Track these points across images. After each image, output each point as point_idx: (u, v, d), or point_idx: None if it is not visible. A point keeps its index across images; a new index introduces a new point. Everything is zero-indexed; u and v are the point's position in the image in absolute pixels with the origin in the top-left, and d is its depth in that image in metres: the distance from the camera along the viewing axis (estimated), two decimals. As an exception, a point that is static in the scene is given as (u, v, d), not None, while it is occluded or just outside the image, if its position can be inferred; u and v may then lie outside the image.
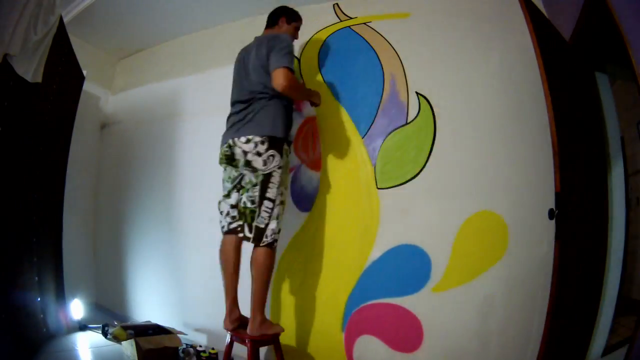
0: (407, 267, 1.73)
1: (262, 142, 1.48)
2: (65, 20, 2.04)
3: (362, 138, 1.89)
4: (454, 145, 1.73)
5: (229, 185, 1.59)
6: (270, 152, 1.49)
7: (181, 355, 1.89)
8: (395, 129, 1.83)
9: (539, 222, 1.52)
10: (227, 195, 1.58)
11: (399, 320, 1.71)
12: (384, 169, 1.83)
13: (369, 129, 1.88)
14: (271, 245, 1.50)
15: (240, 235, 1.50)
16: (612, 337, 1.56)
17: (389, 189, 1.81)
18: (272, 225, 1.48)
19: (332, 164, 1.94)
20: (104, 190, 2.82)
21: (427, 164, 1.75)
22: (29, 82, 1.70)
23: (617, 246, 1.54)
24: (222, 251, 1.58)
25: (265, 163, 1.48)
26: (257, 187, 1.48)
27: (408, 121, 1.82)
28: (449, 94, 1.77)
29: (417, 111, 1.81)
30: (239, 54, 1.75)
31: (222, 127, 2.38)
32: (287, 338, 1.91)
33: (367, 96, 1.91)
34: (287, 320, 1.92)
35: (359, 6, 2.03)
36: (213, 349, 1.92)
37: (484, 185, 1.66)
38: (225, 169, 1.62)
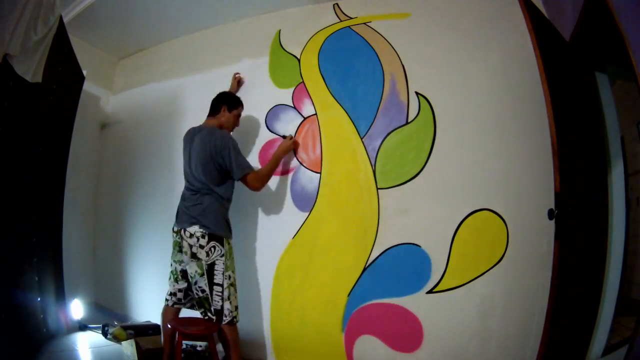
0: (406, 267, 1.73)
1: (203, 236, 1.65)
2: (65, 20, 2.04)
3: (362, 138, 1.89)
4: (453, 146, 1.73)
5: (177, 268, 1.74)
6: (212, 244, 1.65)
7: (181, 355, 1.89)
8: (395, 129, 1.83)
9: (539, 222, 1.53)
10: (176, 281, 1.75)
11: (398, 320, 1.71)
12: (383, 169, 1.83)
13: (369, 129, 1.88)
14: (232, 322, 1.66)
15: (206, 318, 1.65)
16: (612, 337, 1.56)
17: (389, 189, 1.81)
18: (227, 305, 1.65)
19: (332, 164, 1.94)
20: (104, 190, 2.81)
21: (427, 164, 1.76)
22: (29, 82, 1.70)
23: (617, 246, 1.54)
24: (164, 321, 1.76)
25: (208, 254, 1.64)
26: (205, 277, 1.64)
27: (408, 121, 1.82)
28: (449, 94, 1.77)
29: (417, 111, 1.81)
30: (188, 133, 1.86)
31: None
32: (288, 338, 1.92)
33: (367, 96, 1.91)
34: (287, 320, 1.92)
35: (359, 6, 2.03)
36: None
37: (484, 185, 1.66)
38: (174, 252, 1.75)
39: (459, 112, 1.75)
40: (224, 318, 1.63)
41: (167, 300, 1.76)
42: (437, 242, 1.69)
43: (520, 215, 1.59)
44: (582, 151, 1.45)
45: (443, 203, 1.71)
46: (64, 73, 2.14)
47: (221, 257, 1.66)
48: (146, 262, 2.47)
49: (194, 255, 1.65)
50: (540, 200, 1.55)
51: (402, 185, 1.79)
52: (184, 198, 1.78)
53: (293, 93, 2.10)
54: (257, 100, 2.18)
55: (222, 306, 1.63)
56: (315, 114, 2.02)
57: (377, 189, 1.83)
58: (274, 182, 2.08)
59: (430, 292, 1.68)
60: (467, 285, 1.63)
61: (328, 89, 2.01)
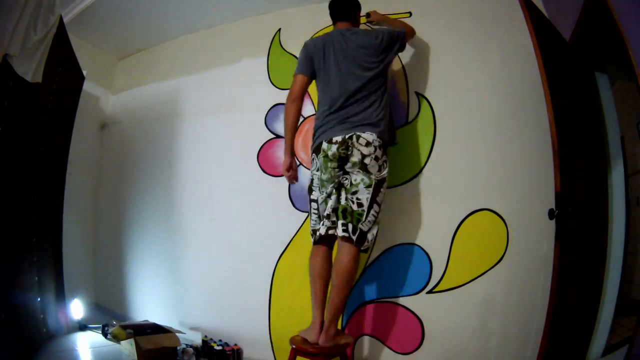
0: (406, 267, 1.73)
1: (380, 147, 1.43)
2: (65, 20, 2.04)
3: (362, 138, 1.88)
4: (453, 145, 1.73)
5: (329, 186, 1.45)
6: (385, 157, 1.46)
7: (180, 354, 1.89)
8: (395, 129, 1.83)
9: (539, 221, 1.52)
10: (329, 196, 1.45)
11: (398, 320, 1.71)
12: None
13: (369, 129, 1.88)
14: (365, 251, 1.46)
15: (345, 234, 1.39)
16: (612, 337, 1.56)
17: (389, 189, 1.79)
18: (374, 230, 1.44)
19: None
20: (103, 190, 2.82)
21: (427, 164, 1.76)
22: (29, 82, 1.70)
23: (617, 246, 1.54)
24: (315, 264, 1.48)
25: (380, 169, 1.43)
26: (370, 190, 1.40)
27: (408, 121, 1.82)
28: (449, 94, 1.77)
29: (417, 111, 1.81)
30: (322, 42, 1.58)
31: (222, 127, 2.38)
32: (288, 338, 1.91)
33: (367, 96, 1.90)
34: (288, 320, 1.93)
35: (359, 6, 2.03)
36: (236, 344, 1.94)
37: (484, 185, 1.66)
38: (325, 167, 1.45)
39: (459, 112, 1.75)
40: (366, 243, 1.40)
41: (317, 230, 1.47)
42: (437, 242, 1.69)
43: (520, 215, 1.59)
44: (582, 151, 1.45)
45: (443, 203, 1.71)
46: (64, 73, 2.14)
47: (387, 174, 1.46)
48: (146, 261, 2.48)
49: (364, 167, 1.40)
50: (540, 200, 1.54)
51: (402, 185, 1.79)
52: (337, 112, 1.46)
53: (292, 93, 2.09)
54: (256, 100, 2.18)
55: (369, 229, 1.41)
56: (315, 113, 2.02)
57: None
58: (273, 182, 2.08)
59: (430, 292, 1.68)
60: (468, 285, 1.63)
61: (328, 89, 2.00)
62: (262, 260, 2.03)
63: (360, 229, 1.40)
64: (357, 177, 1.42)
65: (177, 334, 1.98)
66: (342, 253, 1.42)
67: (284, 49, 2.18)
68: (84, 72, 2.37)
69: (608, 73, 1.63)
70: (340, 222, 1.41)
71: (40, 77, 1.75)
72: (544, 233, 1.51)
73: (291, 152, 1.62)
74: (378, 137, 1.43)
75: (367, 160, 1.41)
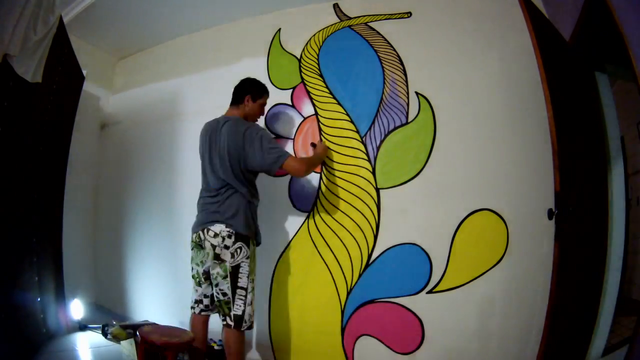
0: (406, 267, 1.74)
1: (229, 236, 1.52)
2: (65, 20, 2.04)
3: (362, 138, 1.89)
4: (453, 145, 1.74)
5: (199, 271, 1.60)
6: (238, 244, 1.53)
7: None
8: (395, 129, 1.84)
9: (539, 222, 1.52)
10: (198, 284, 1.62)
11: (399, 320, 1.72)
12: (383, 169, 1.83)
13: (369, 129, 1.89)
14: (248, 328, 1.57)
15: (224, 323, 1.54)
16: (612, 337, 1.56)
17: (389, 189, 1.82)
18: (248, 310, 1.54)
19: (332, 163, 1.94)
20: (103, 191, 2.82)
21: (427, 163, 1.76)
22: (29, 82, 1.70)
23: (617, 246, 1.55)
24: (192, 328, 1.64)
25: (233, 256, 1.52)
26: (228, 279, 1.51)
27: (408, 121, 1.83)
28: (449, 93, 1.78)
29: (417, 111, 1.82)
30: (207, 127, 1.70)
31: None
32: (287, 338, 1.92)
33: (367, 96, 1.91)
34: (287, 320, 1.93)
35: (359, 6, 2.04)
36: None
37: (484, 185, 1.67)
38: (195, 255, 1.62)
39: (459, 112, 1.75)
40: (244, 324, 1.52)
41: (192, 308, 1.64)
42: (437, 242, 1.70)
43: (520, 215, 1.60)
44: (582, 151, 1.45)
45: (443, 203, 1.72)
46: (64, 73, 2.14)
47: (246, 259, 1.54)
48: (145, 261, 2.48)
49: (217, 257, 1.52)
50: (540, 200, 1.55)
51: (402, 185, 1.79)
52: (203, 200, 1.63)
53: (293, 93, 2.10)
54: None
55: (243, 311, 1.52)
56: (315, 113, 2.03)
57: (377, 189, 1.83)
58: (273, 181, 2.08)
59: (430, 292, 1.68)
60: (467, 285, 1.64)
61: (328, 89, 2.01)
62: (262, 261, 2.01)
63: (235, 315, 1.51)
64: (214, 270, 1.54)
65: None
66: (227, 337, 1.55)
67: (284, 49, 2.18)
68: (84, 72, 2.37)
69: (608, 73, 1.64)
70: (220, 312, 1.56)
71: (40, 77, 1.75)
72: (544, 233, 1.52)
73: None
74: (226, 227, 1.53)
75: (217, 250, 1.53)
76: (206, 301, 1.61)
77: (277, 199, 2.04)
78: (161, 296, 2.36)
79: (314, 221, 1.94)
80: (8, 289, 1.71)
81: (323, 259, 1.89)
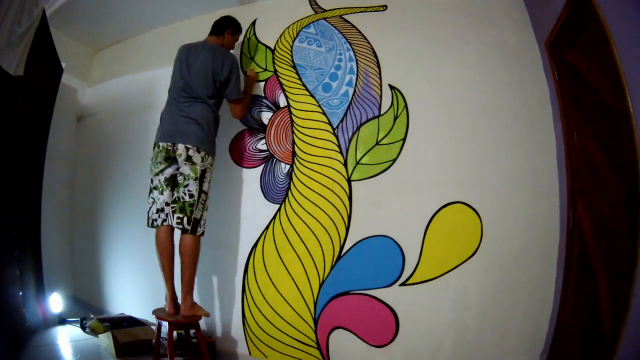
0: (379, 259, 1.96)
1: (199, 150, 1.93)
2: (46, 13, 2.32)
3: (334, 130, 2.16)
4: (426, 138, 1.97)
5: (162, 180, 1.95)
6: (203, 153, 1.94)
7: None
8: (368, 121, 2.09)
9: (513, 215, 1.78)
10: (161, 192, 1.95)
11: (372, 312, 1.93)
12: (355, 161, 2.08)
13: (341, 120, 2.15)
14: (202, 234, 1.95)
15: (179, 227, 1.89)
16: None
17: (361, 181, 2.06)
18: (205, 215, 1.95)
19: (304, 155, 2.20)
20: (79, 183, 3.13)
21: (400, 156, 2.00)
22: (9, 75, 1.90)
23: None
24: (159, 242, 1.95)
25: (202, 159, 1.93)
26: (196, 182, 1.89)
27: (381, 113, 2.08)
28: (423, 86, 2.02)
29: (389, 104, 2.07)
30: (185, 47, 2.14)
31: None
32: (260, 330, 2.16)
33: (340, 88, 2.18)
34: (260, 312, 2.18)
35: (335, -2, 2.29)
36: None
37: (457, 177, 1.89)
38: (157, 164, 1.97)
39: (432, 105, 1.98)
40: (199, 228, 1.91)
41: (154, 221, 1.95)
42: (410, 234, 1.91)
43: (494, 208, 1.81)
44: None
45: (416, 195, 1.94)
46: (44, 65, 2.42)
47: (210, 166, 1.98)
48: (122, 254, 2.77)
49: (189, 159, 1.90)
50: (514, 193, 1.79)
51: (374, 177, 2.03)
52: (170, 110, 2.01)
53: (265, 84, 2.38)
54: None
55: (201, 216, 1.92)
56: (288, 105, 2.31)
57: (349, 180, 2.08)
58: (244, 173, 2.34)
59: (403, 284, 1.90)
60: (441, 277, 1.84)
61: (301, 81, 2.30)
62: (235, 253, 2.30)
63: (194, 218, 1.90)
64: (185, 171, 1.92)
65: (152, 327, 2.26)
66: (184, 243, 1.92)
67: (258, 40, 2.46)
68: (63, 65, 2.67)
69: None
70: (175, 216, 1.91)
71: (22, 70, 1.98)
72: (518, 226, 1.77)
73: None
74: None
75: (190, 153, 1.92)
76: (168, 209, 1.93)
77: (248, 190, 2.31)
78: (137, 289, 2.65)
79: (286, 213, 2.19)
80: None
81: (295, 251, 2.14)
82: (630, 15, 1.15)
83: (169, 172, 1.95)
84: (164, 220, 1.94)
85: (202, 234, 1.96)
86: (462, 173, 1.90)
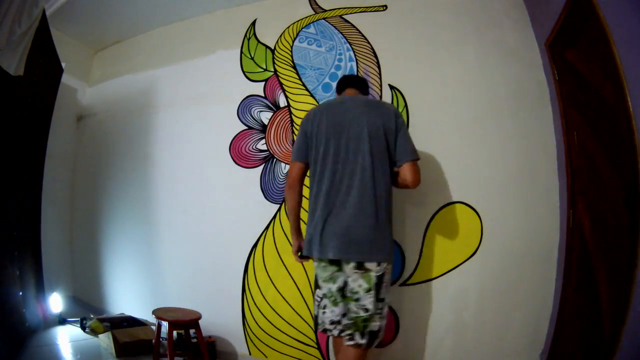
0: (379, 258, 1.98)
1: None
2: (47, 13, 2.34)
3: (335, 129, 2.16)
4: (426, 138, 1.96)
5: (334, 291, 1.49)
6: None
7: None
8: (367, 121, 2.10)
9: (513, 215, 1.79)
10: (335, 304, 1.49)
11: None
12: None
13: (342, 120, 2.15)
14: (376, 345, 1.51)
15: (351, 343, 1.43)
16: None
17: None
18: (383, 325, 1.47)
19: (305, 155, 2.20)
20: (79, 183, 3.15)
21: (400, 156, 2.01)
22: (10, 75, 1.93)
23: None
24: (341, 354, 1.52)
25: (379, 263, 1.44)
26: (372, 292, 1.43)
27: (381, 113, 2.09)
28: (423, 87, 2.03)
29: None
30: (321, 108, 1.62)
31: (196, 119, 2.59)
32: (261, 330, 2.16)
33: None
34: (260, 312, 2.19)
35: (335, -2, 2.31)
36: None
37: (457, 178, 1.90)
38: (324, 269, 1.51)
39: (432, 106, 1.99)
40: (375, 341, 1.44)
41: (328, 330, 1.49)
42: (410, 235, 1.92)
43: (494, 208, 1.82)
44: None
45: (416, 195, 1.92)
46: (44, 65, 2.44)
47: (389, 265, 1.47)
48: (122, 254, 2.78)
49: (360, 265, 1.43)
50: (514, 193, 1.79)
51: (374, 177, 2.05)
52: (330, 199, 1.54)
53: (265, 84, 2.39)
54: (229, 92, 2.46)
55: (379, 326, 1.44)
56: (288, 105, 2.32)
57: None
58: (244, 173, 2.35)
59: (403, 284, 1.91)
60: (441, 277, 1.86)
61: (301, 81, 2.31)
62: (236, 253, 2.31)
63: (371, 332, 1.43)
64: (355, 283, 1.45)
65: (152, 327, 2.27)
66: (345, 350, 1.47)
67: (258, 40, 2.48)
68: (63, 65, 2.68)
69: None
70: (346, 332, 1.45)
71: (22, 70, 2.01)
72: (518, 226, 1.77)
73: (297, 235, 1.73)
74: None
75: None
76: (344, 321, 1.47)
77: (248, 190, 2.32)
78: (137, 289, 2.66)
79: (286, 213, 2.16)
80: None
81: (295, 251, 2.15)
82: (630, 15, 1.16)
83: (337, 282, 1.51)
84: (341, 331, 1.48)
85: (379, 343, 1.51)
86: (462, 173, 1.91)
